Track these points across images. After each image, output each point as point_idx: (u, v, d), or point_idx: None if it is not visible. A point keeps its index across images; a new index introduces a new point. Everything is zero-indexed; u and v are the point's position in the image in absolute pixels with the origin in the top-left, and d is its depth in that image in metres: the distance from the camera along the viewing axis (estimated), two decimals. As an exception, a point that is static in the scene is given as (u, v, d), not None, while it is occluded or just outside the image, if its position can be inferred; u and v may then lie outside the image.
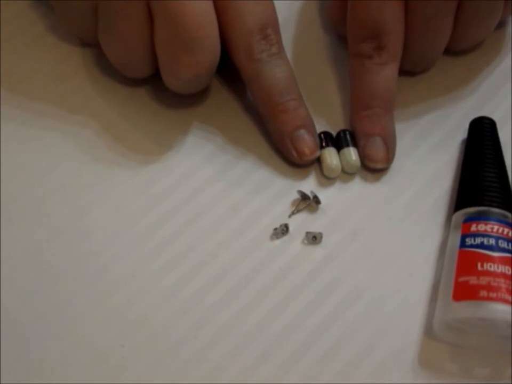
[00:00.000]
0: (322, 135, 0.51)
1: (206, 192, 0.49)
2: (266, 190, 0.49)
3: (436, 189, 0.50)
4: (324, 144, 0.50)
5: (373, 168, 0.50)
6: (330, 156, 0.50)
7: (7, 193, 0.48)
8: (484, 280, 0.42)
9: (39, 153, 0.50)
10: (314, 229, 0.47)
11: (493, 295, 0.41)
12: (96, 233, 0.47)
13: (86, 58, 0.54)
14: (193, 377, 0.42)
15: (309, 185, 0.49)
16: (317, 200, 0.48)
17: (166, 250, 0.46)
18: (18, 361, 0.42)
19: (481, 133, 0.50)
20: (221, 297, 0.45)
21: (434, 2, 0.49)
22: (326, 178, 0.50)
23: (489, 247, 0.43)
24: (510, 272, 0.42)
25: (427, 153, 0.51)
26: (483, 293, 0.42)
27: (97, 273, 0.45)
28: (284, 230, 0.47)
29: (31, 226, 0.47)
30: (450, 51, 0.54)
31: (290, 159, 0.50)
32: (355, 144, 0.50)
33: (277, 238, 0.47)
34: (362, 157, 0.50)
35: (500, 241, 0.43)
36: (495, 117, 0.51)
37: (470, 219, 0.45)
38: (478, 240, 0.44)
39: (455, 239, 0.45)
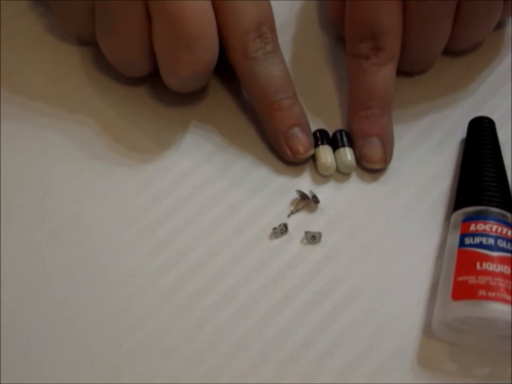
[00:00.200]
0: (317, 133, 0.51)
1: (205, 191, 0.49)
2: (265, 189, 0.49)
3: (435, 189, 0.50)
4: (319, 142, 0.50)
5: (370, 169, 0.50)
6: (325, 153, 0.50)
7: (7, 193, 0.48)
8: (482, 280, 0.42)
9: (39, 153, 0.50)
10: (313, 228, 0.47)
11: (492, 294, 0.41)
12: (96, 232, 0.47)
13: (85, 58, 0.54)
14: (193, 377, 0.42)
15: (304, 183, 0.49)
16: (316, 200, 0.48)
17: (165, 249, 0.46)
18: (18, 361, 0.42)
19: (480, 132, 0.50)
20: (220, 297, 0.45)
21: (432, 2, 0.49)
22: (321, 176, 0.50)
23: (488, 247, 0.43)
24: (508, 272, 0.42)
25: (426, 153, 0.51)
26: (482, 293, 0.42)
27: (97, 273, 0.45)
28: (283, 229, 0.47)
29: (31, 226, 0.47)
30: (449, 51, 0.54)
31: (284, 157, 0.50)
32: (351, 145, 0.50)
33: (276, 237, 0.47)
34: (359, 157, 0.50)
35: (498, 241, 0.44)
36: (494, 117, 0.51)
37: (469, 218, 0.45)
38: (477, 240, 0.44)
39: (454, 238, 0.45)
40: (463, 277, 0.43)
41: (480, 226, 0.44)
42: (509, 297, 0.41)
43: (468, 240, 0.44)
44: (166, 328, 0.43)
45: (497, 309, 0.41)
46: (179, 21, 0.46)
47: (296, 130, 0.49)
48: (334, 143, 0.51)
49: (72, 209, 0.48)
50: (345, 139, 0.51)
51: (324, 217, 0.48)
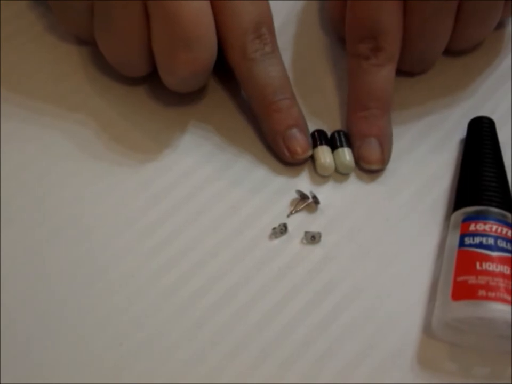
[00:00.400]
0: (316, 133, 0.51)
1: (205, 191, 0.49)
2: (265, 189, 0.49)
3: (434, 189, 0.50)
4: (318, 142, 0.51)
5: (368, 170, 0.50)
6: (324, 154, 0.50)
7: (7, 193, 0.48)
8: (482, 280, 0.42)
9: (39, 153, 0.50)
10: (313, 228, 0.47)
11: (492, 294, 0.41)
12: (96, 232, 0.47)
13: (85, 58, 0.54)
14: (193, 377, 0.42)
15: (304, 183, 0.49)
16: (316, 200, 0.48)
17: (165, 249, 0.46)
18: (18, 361, 0.42)
19: (480, 132, 0.50)
20: (220, 297, 0.45)
21: (432, 2, 0.49)
22: (320, 177, 0.50)
23: (488, 247, 0.43)
24: (508, 272, 0.42)
25: (426, 153, 0.51)
26: (482, 293, 0.42)
27: (97, 273, 0.45)
28: (282, 229, 0.47)
29: (31, 226, 0.47)
30: (450, 51, 0.54)
31: (283, 158, 0.50)
32: (350, 145, 0.50)
33: (276, 237, 0.47)
34: (357, 158, 0.50)
35: (498, 241, 0.44)
36: (494, 117, 0.51)
37: (469, 218, 0.45)
38: (477, 240, 0.44)
39: (453, 238, 0.45)
40: (463, 277, 0.43)
41: (480, 226, 0.44)
42: (509, 297, 0.41)
43: (467, 240, 0.44)
44: (166, 328, 0.43)
45: (497, 309, 0.41)
46: (178, 21, 0.46)
47: (294, 131, 0.49)
48: (333, 143, 0.51)
49: (72, 209, 0.48)
50: (343, 139, 0.51)
51: (324, 217, 0.48)
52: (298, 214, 0.48)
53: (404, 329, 0.44)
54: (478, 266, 0.43)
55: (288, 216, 0.48)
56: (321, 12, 0.59)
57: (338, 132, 0.51)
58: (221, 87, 0.54)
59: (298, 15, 0.59)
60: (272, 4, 0.51)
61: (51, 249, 0.46)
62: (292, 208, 0.48)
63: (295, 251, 0.47)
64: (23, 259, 0.45)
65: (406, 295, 0.45)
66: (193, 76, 0.48)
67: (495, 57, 0.57)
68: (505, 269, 0.42)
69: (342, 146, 0.50)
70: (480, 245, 0.44)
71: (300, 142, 0.49)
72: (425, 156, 0.51)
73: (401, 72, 0.53)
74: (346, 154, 0.50)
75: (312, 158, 0.50)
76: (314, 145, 0.50)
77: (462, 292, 0.42)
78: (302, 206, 0.48)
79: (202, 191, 0.49)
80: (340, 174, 0.50)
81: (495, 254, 0.43)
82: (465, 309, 0.42)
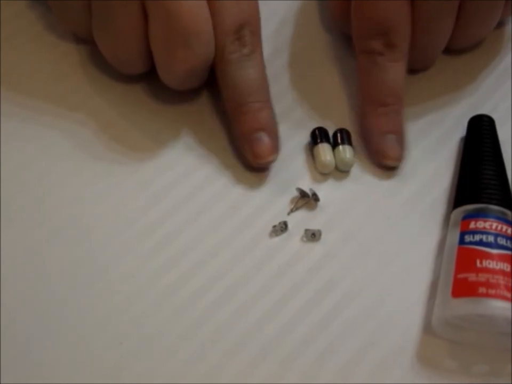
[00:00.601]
0: (316, 130, 0.51)
1: (205, 191, 0.49)
2: (265, 188, 0.49)
3: (434, 187, 0.50)
4: (318, 140, 0.51)
5: (384, 166, 0.50)
6: (324, 151, 0.50)
7: (7, 193, 0.48)
8: (482, 277, 0.42)
9: (39, 153, 0.50)
10: (313, 226, 0.47)
11: (492, 291, 0.41)
12: (96, 232, 0.47)
13: (85, 58, 0.54)
14: (193, 376, 0.42)
15: (304, 181, 0.49)
16: (316, 198, 0.48)
17: (165, 249, 0.46)
18: (18, 361, 0.42)
19: (480, 130, 0.50)
20: (220, 295, 0.45)
21: (437, 2, 0.49)
22: (320, 175, 0.50)
23: (488, 244, 0.43)
24: (508, 269, 0.42)
25: (426, 151, 0.51)
26: (482, 290, 0.42)
27: (97, 273, 0.45)
28: (282, 227, 0.47)
29: (31, 226, 0.47)
30: (450, 50, 0.54)
31: (247, 160, 0.50)
32: (350, 143, 0.50)
33: (276, 235, 0.47)
34: (376, 153, 0.50)
35: (498, 239, 0.44)
36: (494, 116, 0.51)
37: (469, 216, 0.45)
38: (477, 237, 0.44)
39: (454, 236, 0.45)
40: (463, 274, 0.43)
41: (480, 224, 0.44)
42: (509, 295, 0.41)
43: (467, 238, 0.44)
44: (166, 327, 0.43)
45: (498, 306, 0.41)
46: (177, 19, 0.46)
47: (261, 134, 0.49)
48: (334, 140, 0.51)
49: (72, 209, 0.48)
50: (345, 137, 0.51)
51: (324, 215, 0.48)
52: (298, 212, 0.48)
53: (404, 327, 0.44)
54: (478, 264, 0.43)
55: (288, 214, 0.48)
56: (321, 9, 0.59)
57: (340, 130, 0.51)
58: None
59: (298, 13, 0.59)
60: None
61: (51, 249, 0.46)
62: (292, 206, 0.48)
63: (295, 249, 0.47)
64: (23, 259, 0.45)
65: (406, 293, 0.45)
66: (191, 73, 0.48)
67: (495, 56, 0.57)
68: (505, 267, 0.42)
69: (343, 143, 0.50)
70: (480, 243, 0.44)
71: (264, 146, 0.49)
72: (425, 154, 0.51)
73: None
74: (347, 151, 0.50)
75: (312, 156, 0.50)
76: (315, 143, 0.50)
77: (462, 289, 0.42)
78: (302, 204, 0.48)
79: (202, 190, 0.49)
80: (339, 171, 0.50)
81: (495, 251, 0.43)
82: (465, 306, 0.42)
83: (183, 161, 0.50)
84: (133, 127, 0.51)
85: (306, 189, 0.48)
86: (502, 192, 0.46)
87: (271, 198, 0.49)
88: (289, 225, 0.47)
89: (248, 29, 0.49)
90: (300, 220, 0.48)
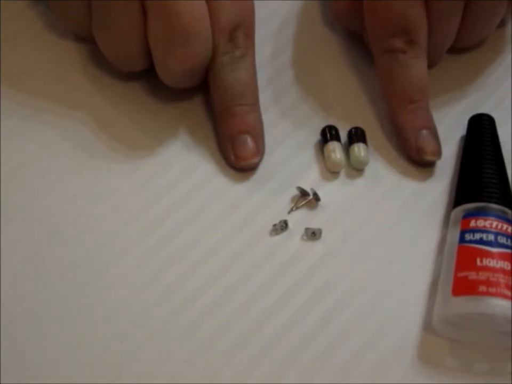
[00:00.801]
0: (327, 129, 0.51)
1: (205, 189, 0.49)
2: (265, 186, 0.49)
3: (435, 186, 0.50)
4: (328, 137, 0.51)
5: (425, 162, 0.50)
6: (334, 149, 0.50)
7: (7, 192, 0.48)
8: (483, 276, 0.42)
9: (39, 151, 0.50)
10: (314, 225, 0.47)
11: (492, 290, 0.41)
12: (96, 231, 0.47)
13: (85, 56, 0.54)
14: (193, 375, 0.42)
15: (304, 180, 0.49)
16: (316, 197, 0.48)
17: (165, 247, 0.46)
18: (18, 361, 0.42)
19: (480, 129, 0.50)
20: (220, 294, 0.45)
21: (448, 1, 0.49)
22: (321, 174, 0.50)
23: (488, 243, 0.43)
24: (509, 268, 0.42)
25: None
26: (482, 288, 0.42)
27: (97, 272, 0.45)
28: (283, 226, 0.47)
29: (31, 226, 0.47)
30: (453, 49, 0.54)
31: (228, 162, 0.50)
32: (365, 141, 0.50)
33: (276, 234, 0.47)
34: (415, 151, 0.50)
35: (499, 237, 0.43)
36: (494, 115, 0.51)
37: (469, 215, 0.45)
38: (477, 236, 0.44)
39: (454, 234, 0.45)
40: (463, 272, 0.43)
41: (480, 223, 0.44)
42: (509, 293, 0.41)
43: (468, 236, 0.44)
44: (166, 327, 0.43)
45: (498, 305, 0.41)
46: (177, 18, 0.46)
47: (246, 137, 0.49)
48: (349, 139, 0.51)
49: (72, 208, 0.48)
50: (360, 135, 0.51)
51: (324, 214, 0.48)
52: (299, 211, 0.48)
53: (404, 326, 0.44)
54: (478, 262, 0.43)
55: (288, 212, 0.48)
56: (323, 7, 0.59)
57: (355, 128, 0.51)
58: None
59: (300, 12, 0.58)
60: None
61: (51, 249, 0.46)
62: (292, 205, 0.48)
63: (295, 248, 0.47)
64: (23, 259, 0.45)
65: (407, 293, 0.45)
66: (191, 72, 0.48)
67: (496, 55, 0.57)
68: (505, 265, 0.42)
69: (357, 141, 0.50)
70: (481, 241, 0.44)
71: (248, 148, 0.49)
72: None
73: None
74: (361, 149, 0.50)
75: (322, 154, 0.50)
76: (325, 141, 0.50)
77: (463, 287, 0.42)
78: (303, 203, 0.48)
79: (202, 189, 0.49)
80: (353, 169, 0.50)
81: (495, 250, 0.43)
82: (465, 305, 0.42)
83: (183, 160, 0.50)
84: (133, 125, 0.51)
85: (306, 188, 0.48)
86: (502, 191, 0.46)
87: (271, 197, 0.49)
88: (290, 224, 0.47)
89: (242, 31, 0.49)
90: (300, 219, 0.48)
